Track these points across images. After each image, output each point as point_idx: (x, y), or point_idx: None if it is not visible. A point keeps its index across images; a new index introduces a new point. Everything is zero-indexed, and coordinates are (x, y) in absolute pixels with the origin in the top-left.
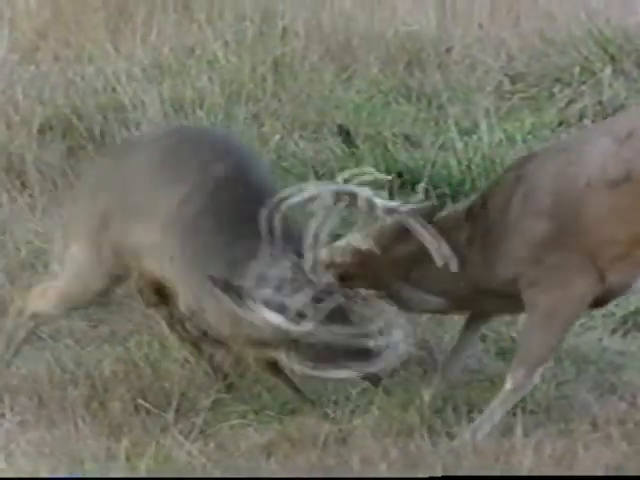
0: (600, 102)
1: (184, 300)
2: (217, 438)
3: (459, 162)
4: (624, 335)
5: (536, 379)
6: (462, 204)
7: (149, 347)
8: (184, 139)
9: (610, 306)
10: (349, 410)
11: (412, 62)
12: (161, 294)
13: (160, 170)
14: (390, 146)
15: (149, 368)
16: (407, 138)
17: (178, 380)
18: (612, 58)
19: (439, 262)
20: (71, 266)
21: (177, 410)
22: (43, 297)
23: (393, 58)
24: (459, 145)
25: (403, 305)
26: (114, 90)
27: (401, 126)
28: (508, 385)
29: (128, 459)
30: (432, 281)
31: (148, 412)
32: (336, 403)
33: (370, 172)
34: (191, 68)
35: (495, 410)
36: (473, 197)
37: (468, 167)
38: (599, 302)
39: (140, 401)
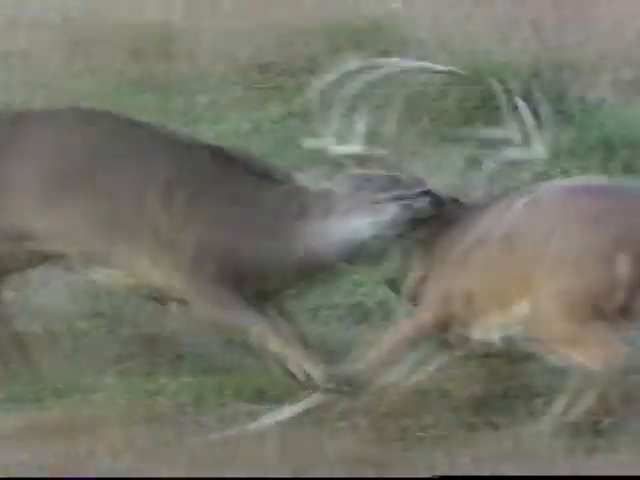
0: None
1: None
2: None
3: None
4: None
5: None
6: None
7: None
8: None
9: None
10: (100, 398)
11: (160, 52)
12: None
13: None
14: None
15: None
16: None
17: None
18: (360, 48)
19: None
20: None
21: None
22: None
23: (141, 49)
24: (209, 135)
25: None
26: None
27: (148, 116)
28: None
29: None
30: None
31: None
32: (93, 391)
33: None
34: None
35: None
36: None
37: None
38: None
39: None
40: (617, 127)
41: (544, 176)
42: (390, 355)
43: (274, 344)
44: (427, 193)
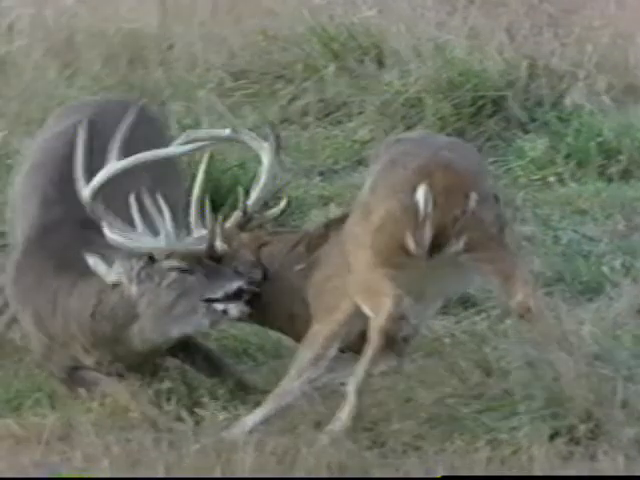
0: (323, 99)
1: None
2: None
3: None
4: None
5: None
6: None
7: None
8: None
9: None
10: (74, 405)
11: (134, 59)
12: None
13: None
14: None
15: None
16: None
17: None
18: (335, 55)
19: None
20: None
21: None
22: None
23: (115, 55)
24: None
25: None
26: None
27: None
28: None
29: None
30: None
31: None
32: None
33: None
34: None
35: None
36: None
37: (189, 164)
38: None
39: None
40: (592, 134)
41: None
42: (324, 350)
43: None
44: (241, 292)
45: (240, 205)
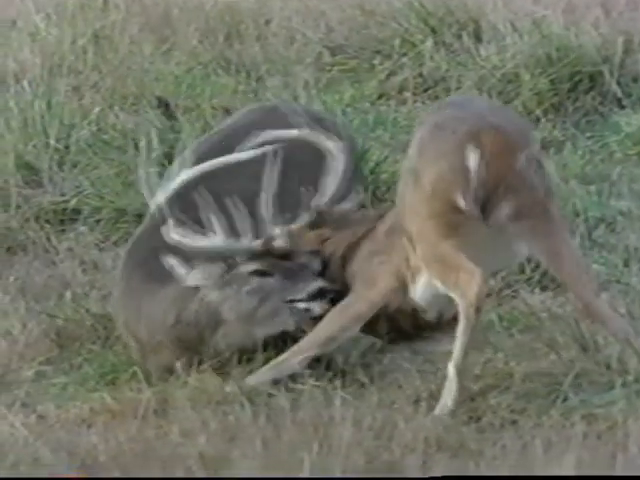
0: (421, 74)
1: None
2: (39, 410)
3: None
4: None
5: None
6: None
7: None
8: None
9: None
10: (170, 380)
11: (231, 34)
12: None
13: None
14: (209, 118)
15: None
16: (226, 110)
17: (0, 352)
18: (433, 30)
19: None
20: None
21: None
22: None
23: (212, 30)
24: None
25: None
26: None
27: (220, 98)
28: None
29: None
30: None
31: None
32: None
33: None
34: (13, 40)
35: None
36: None
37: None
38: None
39: None
40: None
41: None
42: (341, 332)
43: None
44: (322, 292)
45: (311, 205)
